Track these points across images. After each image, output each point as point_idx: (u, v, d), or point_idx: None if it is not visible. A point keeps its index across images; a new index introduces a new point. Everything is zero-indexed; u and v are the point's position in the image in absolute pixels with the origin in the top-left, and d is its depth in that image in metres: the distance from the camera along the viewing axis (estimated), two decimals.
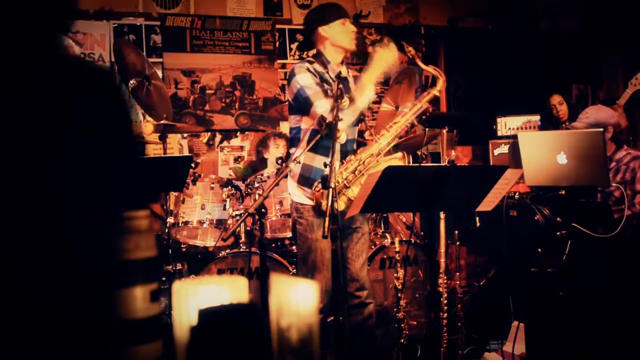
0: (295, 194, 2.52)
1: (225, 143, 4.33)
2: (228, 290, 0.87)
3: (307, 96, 2.44)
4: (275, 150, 3.83)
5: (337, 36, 2.53)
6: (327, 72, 2.55)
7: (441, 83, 2.44)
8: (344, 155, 2.48)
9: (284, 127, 4.38)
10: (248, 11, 4.41)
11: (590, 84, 5.17)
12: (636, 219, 2.85)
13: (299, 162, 2.36)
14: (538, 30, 5.08)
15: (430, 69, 2.51)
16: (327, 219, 1.94)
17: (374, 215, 3.47)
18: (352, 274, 2.51)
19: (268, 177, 3.40)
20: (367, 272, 2.61)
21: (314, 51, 2.64)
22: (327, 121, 2.29)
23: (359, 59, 4.66)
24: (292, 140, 2.59)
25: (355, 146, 2.61)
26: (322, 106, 2.40)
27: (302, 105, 2.47)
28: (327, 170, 2.25)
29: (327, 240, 2.35)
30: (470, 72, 4.88)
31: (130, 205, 1.00)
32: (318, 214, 2.44)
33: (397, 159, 2.41)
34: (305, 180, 2.48)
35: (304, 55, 2.59)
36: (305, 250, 2.49)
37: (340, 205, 2.33)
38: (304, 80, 2.46)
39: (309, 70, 2.50)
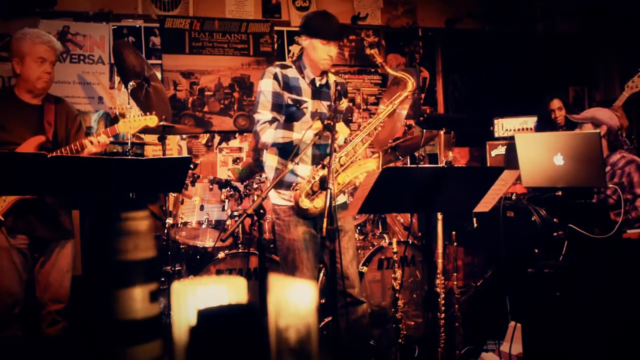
0: (272, 195, 2.58)
1: (224, 144, 4.34)
2: (227, 290, 0.88)
3: (257, 102, 2.53)
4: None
5: (312, 52, 2.55)
6: (303, 78, 2.57)
7: (410, 85, 2.51)
8: (319, 158, 2.52)
9: None
10: (247, 13, 4.42)
11: (587, 85, 5.19)
12: (635, 222, 2.86)
13: (297, 163, 2.37)
14: (535, 32, 5.10)
15: (398, 74, 2.57)
16: (325, 219, 1.96)
17: (371, 216, 3.48)
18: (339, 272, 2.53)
19: (266, 178, 3.41)
20: (356, 270, 2.62)
21: None
22: (325, 122, 2.31)
23: (357, 60, 4.69)
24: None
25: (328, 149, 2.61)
26: (260, 117, 2.49)
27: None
28: (318, 173, 2.28)
29: (303, 240, 2.41)
30: (468, 74, 4.90)
31: (129, 206, 1.01)
32: (296, 213, 2.47)
33: (373, 160, 2.44)
34: (279, 184, 2.50)
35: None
36: (284, 250, 2.52)
37: (319, 203, 2.36)
38: (265, 85, 2.53)
39: (275, 76, 2.53)
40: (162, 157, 3.06)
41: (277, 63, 2.65)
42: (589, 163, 2.50)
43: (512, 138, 4.00)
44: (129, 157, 3.26)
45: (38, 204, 2.56)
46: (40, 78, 2.60)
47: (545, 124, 4.20)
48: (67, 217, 2.72)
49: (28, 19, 3.74)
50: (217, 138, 4.33)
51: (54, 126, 2.65)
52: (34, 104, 2.66)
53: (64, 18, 3.97)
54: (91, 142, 2.51)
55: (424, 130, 3.20)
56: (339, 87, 2.47)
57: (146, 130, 3.40)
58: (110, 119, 4.01)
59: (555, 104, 4.16)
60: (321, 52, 2.51)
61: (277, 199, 2.57)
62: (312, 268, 2.47)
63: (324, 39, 2.51)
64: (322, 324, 2.77)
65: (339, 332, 2.25)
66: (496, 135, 4.38)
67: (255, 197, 3.28)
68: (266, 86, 2.52)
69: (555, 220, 2.63)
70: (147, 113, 2.70)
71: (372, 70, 4.71)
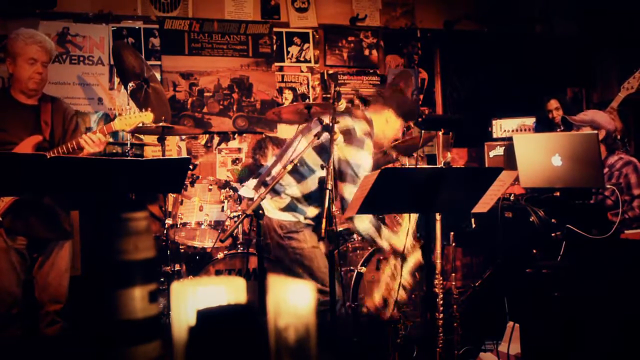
0: (278, 213, 2.56)
1: (223, 145, 4.35)
2: (226, 290, 0.88)
3: (354, 174, 2.43)
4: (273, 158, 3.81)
5: (389, 127, 2.59)
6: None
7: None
8: None
9: (281, 130, 4.40)
10: (246, 14, 4.43)
11: (585, 86, 5.20)
12: (637, 221, 2.87)
13: (296, 164, 2.37)
14: (533, 33, 5.11)
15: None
16: (324, 220, 1.96)
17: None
18: None
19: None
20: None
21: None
22: (324, 123, 2.32)
23: (355, 61, 4.70)
24: (276, 188, 2.56)
25: None
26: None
27: (341, 177, 2.46)
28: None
29: (319, 245, 2.46)
30: (466, 75, 4.91)
31: (129, 207, 1.01)
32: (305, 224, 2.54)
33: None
34: (291, 209, 2.55)
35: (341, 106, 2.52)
36: (307, 261, 2.53)
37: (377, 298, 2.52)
38: (367, 161, 2.45)
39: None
40: (161, 157, 3.07)
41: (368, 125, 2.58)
42: (587, 164, 2.50)
43: (510, 139, 4.01)
44: (129, 157, 3.27)
45: (36, 205, 2.56)
46: (31, 78, 2.59)
47: (543, 125, 4.21)
48: (65, 218, 2.72)
49: (28, 20, 3.74)
50: (216, 139, 4.33)
51: (50, 126, 2.65)
52: (29, 104, 2.66)
53: (63, 19, 3.97)
54: (86, 141, 2.49)
55: (423, 131, 3.21)
56: (337, 88, 2.48)
57: (144, 130, 3.41)
58: (110, 120, 4.02)
59: (553, 104, 4.18)
60: (396, 132, 2.62)
61: (287, 215, 2.56)
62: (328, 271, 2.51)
63: (405, 121, 2.64)
64: None
65: (337, 331, 2.27)
66: (494, 136, 4.39)
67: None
68: (368, 163, 2.45)
69: (553, 220, 2.63)
70: (143, 110, 2.68)
71: (371, 71, 4.72)
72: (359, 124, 2.50)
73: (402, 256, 2.58)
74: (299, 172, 2.54)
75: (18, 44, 2.58)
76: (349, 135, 2.43)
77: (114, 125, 2.59)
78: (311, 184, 2.53)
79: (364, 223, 2.46)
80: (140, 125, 2.63)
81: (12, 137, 2.55)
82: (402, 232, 2.61)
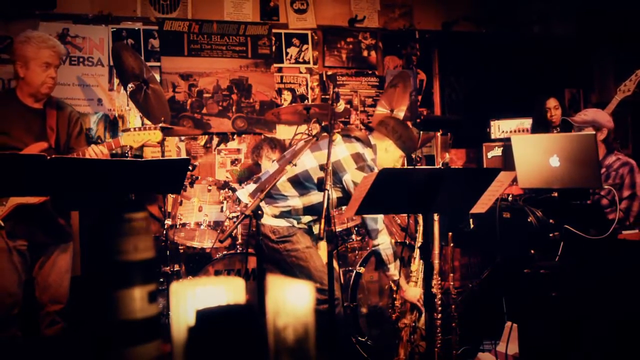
0: (271, 219, 2.59)
1: (222, 146, 4.36)
2: (225, 291, 0.89)
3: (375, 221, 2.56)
4: (268, 163, 3.80)
5: (388, 155, 2.67)
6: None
7: None
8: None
9: (280, 131, 4.41)
10: (245, 16, 4.44)
11: (583, 87, 5.21)
12: (619, 223, 2.89)
13: (295, 165, 2.38)
14: (531, 34, 5.12)
15: None
16: (322, 220, 1.97)
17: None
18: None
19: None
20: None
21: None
22: (322, 124, 2.34)
23: (354, 62, 4.71)
24: (275, 197, 2.60)
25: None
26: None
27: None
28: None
29: (312, 247, 2.49)
30: (464, 76, 4.92)
31: (128, 208, 1.02)
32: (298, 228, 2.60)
33: None
34: (286, 216, 2.60)
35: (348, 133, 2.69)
36: (303, 262, 2.55)
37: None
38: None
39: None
40: (161, 158, 3.07)
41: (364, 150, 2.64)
42: (585, 164, 2.51)
43: (508, 139, 4.02)
44: (128, 158, 3.27)
45: (37, 210, 2.56)
46: (44, 83, 2.57)
47: (539, 125, 4.22)
48: (65, 221, 2.72)
49: (28, 21, 3.74)
50: (215, 139, 4.34)
51: (56, 132, 2.64)
52: (35, 108, 2.64)
53: (63, 20, 3.97)
54: (90, 155, 2.50)
55: (421, 132, 3.22)
56: (336, 89, 2.50)
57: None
58: (110, 121, 4.03)
59: (552, 102, 4.18)
60: (394, 162, 2.67)
61: (281, 221, 2.60)
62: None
63: (405, 153, 2.71)
64: None
65: (336, 331, 2.28)
66: (492, 136, 4.40)
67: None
68: None
69: (551, 221, 2.64)
70: (151, 128, 2.64)
71: (370, 72, 4.73)
72: (368, 151, 2.61)
73: (418, 310, 2.70)
74: (304, 187, 2.57)
75: (30, 48, 2.54)
76: (361, 160, 2.54)
77: (121, 140, 2.59)
78: (314, 198, 2.58)
79: (385, 237, 2.60)
80: (148, 142, 2.63)
81: (15, 141, 2.53)
82: (413, 284, 2.74)
